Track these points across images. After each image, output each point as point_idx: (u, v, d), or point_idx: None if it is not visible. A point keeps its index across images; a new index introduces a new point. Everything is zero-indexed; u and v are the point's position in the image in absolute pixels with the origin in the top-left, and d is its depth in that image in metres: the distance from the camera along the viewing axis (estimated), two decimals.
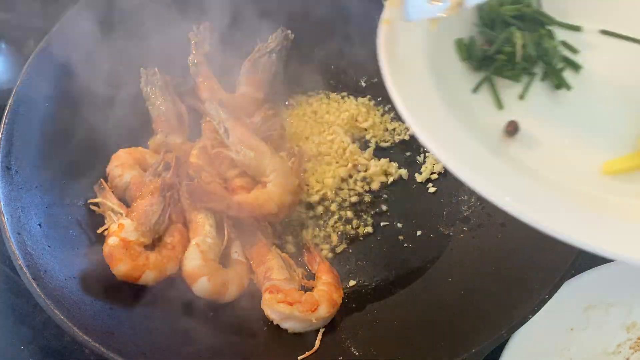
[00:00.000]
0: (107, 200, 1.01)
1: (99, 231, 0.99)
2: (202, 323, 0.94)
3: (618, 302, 1.01)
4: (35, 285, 0.84)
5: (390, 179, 1.16)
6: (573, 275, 0.96)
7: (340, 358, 0.89)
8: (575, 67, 0.79)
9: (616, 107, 0.76)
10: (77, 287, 0.89)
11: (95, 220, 1.01)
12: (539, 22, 0.81)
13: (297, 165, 1.14)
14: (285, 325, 0.93)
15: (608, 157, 0.70)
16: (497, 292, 0.90)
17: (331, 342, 0.92)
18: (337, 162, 1.17)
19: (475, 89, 0.76)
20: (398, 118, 1.24)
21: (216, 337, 0.92)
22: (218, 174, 1.09)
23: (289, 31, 1.23)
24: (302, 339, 0.93)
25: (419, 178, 1.16)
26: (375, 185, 1.15)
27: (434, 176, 1.16)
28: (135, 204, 0.98)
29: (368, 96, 1.27)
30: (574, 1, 0.83)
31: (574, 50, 0.80)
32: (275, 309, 0.93)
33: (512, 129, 0.71)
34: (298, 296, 0.94)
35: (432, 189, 1.14)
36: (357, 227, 1.11)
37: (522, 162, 0.69)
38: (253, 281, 1.01)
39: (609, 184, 0.69)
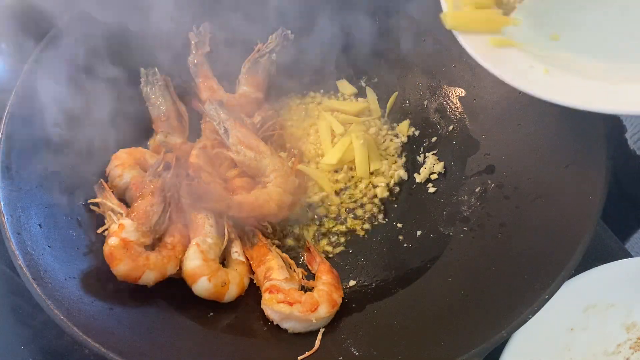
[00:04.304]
0: (107, 200, 1.01)
1: (99, 231, 0.99)
2: (202, 323, 0.94)
3: (618, 302, 1.01)
4: (35, 285, 0.84)
5: (390, 180, 1.16)
6: (573, 275, 0.96)
7: (340, 358, 0.89)
8: None
9: None
10: (77, 287, 0.89)
11: (95, 220, 1.01)
12: None
13: (297, 166, 1.14)
14: (285, 325, 0.93)
15: None
16: (497, 292, 0.90)
17: (331, 342, 0.92)
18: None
19: None
20: (398, 118, 1.24)
21: (216, 337, 0.92)
22: (218, 174, 1.09)
23: (289, 31, 1.23)
24: (302, 339, 0.93)
25: (419, 178, 1.16)
26: (375, 186, 1.15)
27: (434, 176, 1.16)
28: (135, 204, 0.98)
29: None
30: None
31: None
32: (275, 309, 0.93)
33: None
34: (298, 296, 0.94)
35: (432, 189, 1.14)
36: (357, 227, 1.11)
37: None
38: (253, 281, 1.01)
39: None
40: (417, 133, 1.22)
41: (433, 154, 1.18)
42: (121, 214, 0.99)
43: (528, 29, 0.84)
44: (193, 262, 0.95)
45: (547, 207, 0.96)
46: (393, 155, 1.20)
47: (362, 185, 1.15)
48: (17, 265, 0.86)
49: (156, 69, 1.16)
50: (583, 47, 0.80)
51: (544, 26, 0.83)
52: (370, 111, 1.25)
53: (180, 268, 0.96)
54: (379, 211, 1.13)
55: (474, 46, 0.81)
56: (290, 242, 1.09)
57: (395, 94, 1.26)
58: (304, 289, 0.98)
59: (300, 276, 1.01)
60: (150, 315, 0.92)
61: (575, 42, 0.81)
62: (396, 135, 1.22)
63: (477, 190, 1.09)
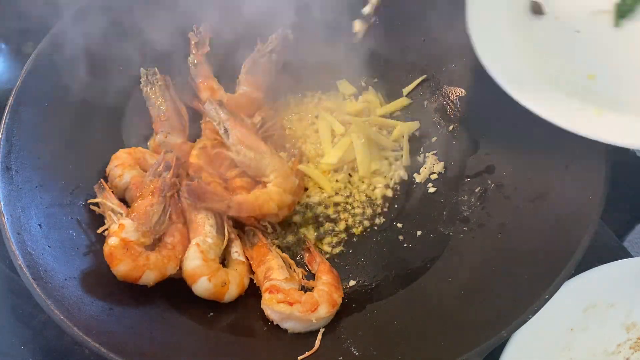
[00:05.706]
0: (107, 200, 1.01)
1: (99, 231, 0.99)
2: (202, 323, 0.94)
3: (618, 302, 1.01)
4: (35, 285, 0.84)
5: (390, 180, 1.16)
6: (573, 275, 0.96)
7: (340, 358, 0.89)
8: None
9: None
10: (77, 287, 0.89)
11: (95, 220, 1.01)
12: None
13: (297, 166, 1.14)
14: (285, 325, 0.93)
15: None
16: (497, 292, 0.90)
17: (331, 342, 0.92)
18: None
19: None
20: (398, 118, 1.24)
21: (216, 337, 0.92)
22: (218, 174, 1.09)
23: (289, 31, 1.23)
24: (302, 339, 0.93)
25: (419, 178, 1.16)
26: (374, 186, 1.15)
27: (434, 176, 1.16)
28: (135, 204, 0.98)
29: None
30: None
31: None
32: (275, 309, 0.93)
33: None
34: (298, 296, 0.94)
35: (432, 189, 1.14)
36: (357, 227, 1.11)
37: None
38: (253, 281, 1.01)
39: None
40: (417, 133, 1.22)
41: (433, 154, 1.18)
42: (121, 214, 0.99)
43: (563, 70, 0.85)
44: (193, 262, 0.95)
45: (547, 207, 0.96)
46: (392, 155, 1.20)
47: (362, 186, 1.15)
48: (17, 265, 0.86)
49: (156, 69, 1.16)
50: (621, 82, 0.80)
51: (577, 67, 0.84)
52: (370, 111, 1.25)
53: (180, 268, 0.96)
54: (379, 211, 1.13)
55: (525, 96, 0.82)
56: (290, 241, 1.10)
57: (397, 96, 1.26)
58: (304, 289, 0.98)
59: (300, 276, 1.01)
60: (150, 315, 0.92)
61: (612, 79, 0.81)
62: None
63: (477, 190, 1.09)
